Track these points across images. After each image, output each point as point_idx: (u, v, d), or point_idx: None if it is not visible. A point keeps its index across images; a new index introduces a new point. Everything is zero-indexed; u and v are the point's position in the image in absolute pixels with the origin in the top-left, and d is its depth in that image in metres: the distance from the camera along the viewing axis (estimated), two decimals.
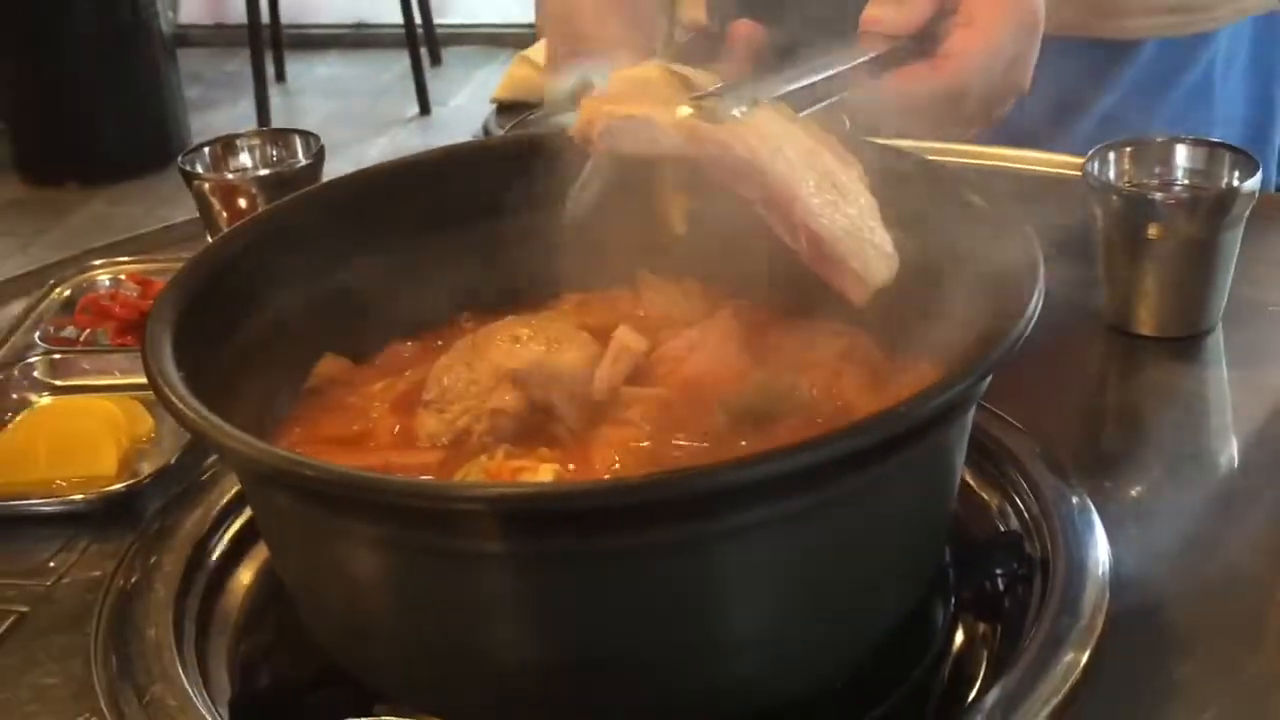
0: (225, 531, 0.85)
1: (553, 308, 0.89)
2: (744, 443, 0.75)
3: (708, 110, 0.75)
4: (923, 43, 0.85)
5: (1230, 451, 0.92)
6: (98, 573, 0.84)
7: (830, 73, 0.82)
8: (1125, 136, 1.02)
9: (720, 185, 0.76)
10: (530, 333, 0.83)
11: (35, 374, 1.03)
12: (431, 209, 0.89)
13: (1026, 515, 0.82)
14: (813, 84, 0.80)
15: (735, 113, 0.75)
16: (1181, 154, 1.01)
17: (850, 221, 0.75)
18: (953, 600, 0.78)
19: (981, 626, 0.78)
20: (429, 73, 4.56)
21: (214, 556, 0.84)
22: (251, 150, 1.17)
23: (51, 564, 0.85)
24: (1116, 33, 1.16)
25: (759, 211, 0.76)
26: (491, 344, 0.82)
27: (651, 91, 0.77)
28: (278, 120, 4.28)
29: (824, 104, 0.81)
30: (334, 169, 1.05)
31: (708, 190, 0.78)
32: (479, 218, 0.90)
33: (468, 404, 0.79)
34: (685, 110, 0.75)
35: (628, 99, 0.77)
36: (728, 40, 0.89)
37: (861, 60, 0.84)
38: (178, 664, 0.75)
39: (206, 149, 1.16)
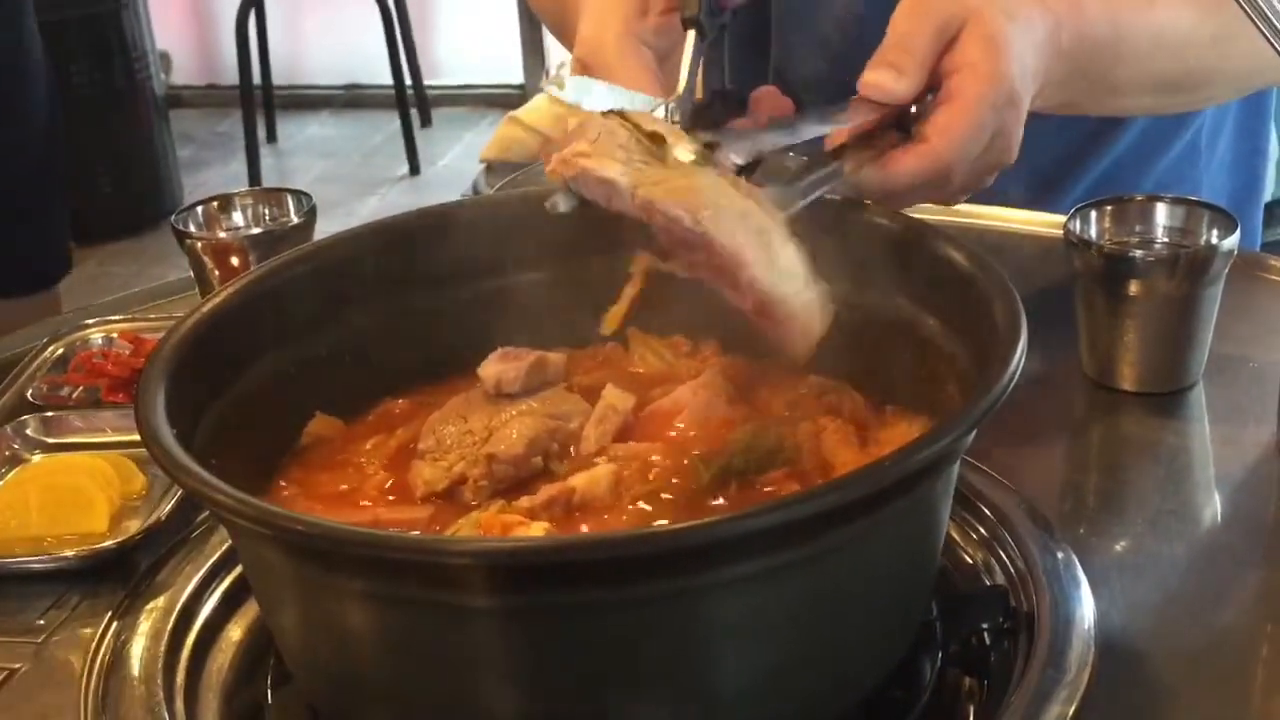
0: (216, 588, 0.86)
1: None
2: (721, 500, 0.76)
3: (707, 158, 0.76)
4: (907, 116, 0.86)
5: (1213, 506, 0.92)
6: (88, 630, 0.84)
7: (816, 134, 0.83)
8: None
9: (679, 265, 0.78)
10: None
11: (28, 431, 1.03)
12: (421, 268, 0.90)
13: (1012, 570, 0.83)
14: (795, 145, 0.82)
15: (686, 157, 0.76)
16: (1161, 212, 1.02)
17: (790, 283, 0.76)
18: (939, 654, 0.78)
19: (968, 680, 0.78)
20: (419, 133, 4.60)
21: (204, 613, 0.84)
22: (244, 209, 1.18)
23: (41, 621, 0.85)
24: (1113, 111, 1.18)
25: (703, 275, 0.78)
26: (484, 400, 0.83)
27: (624, 147, 0.79)
28: (269, 180, 4.30)
29: (813, 197, 0.82)
30: (325, 228, 1.06)
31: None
32: (468, 276, 0.91)
33: (463, 452, 0.80)
34: (688, 155, 0.76)
35: (602, 152, 0.78)
36: (751, 103, 0.90)
37: (846, 126, 0.86)
38: None
39: (199, 208, 1.17)
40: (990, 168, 0.90)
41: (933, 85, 0.87)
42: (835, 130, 0.87)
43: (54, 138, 1.77)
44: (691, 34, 0.89)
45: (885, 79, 0.86)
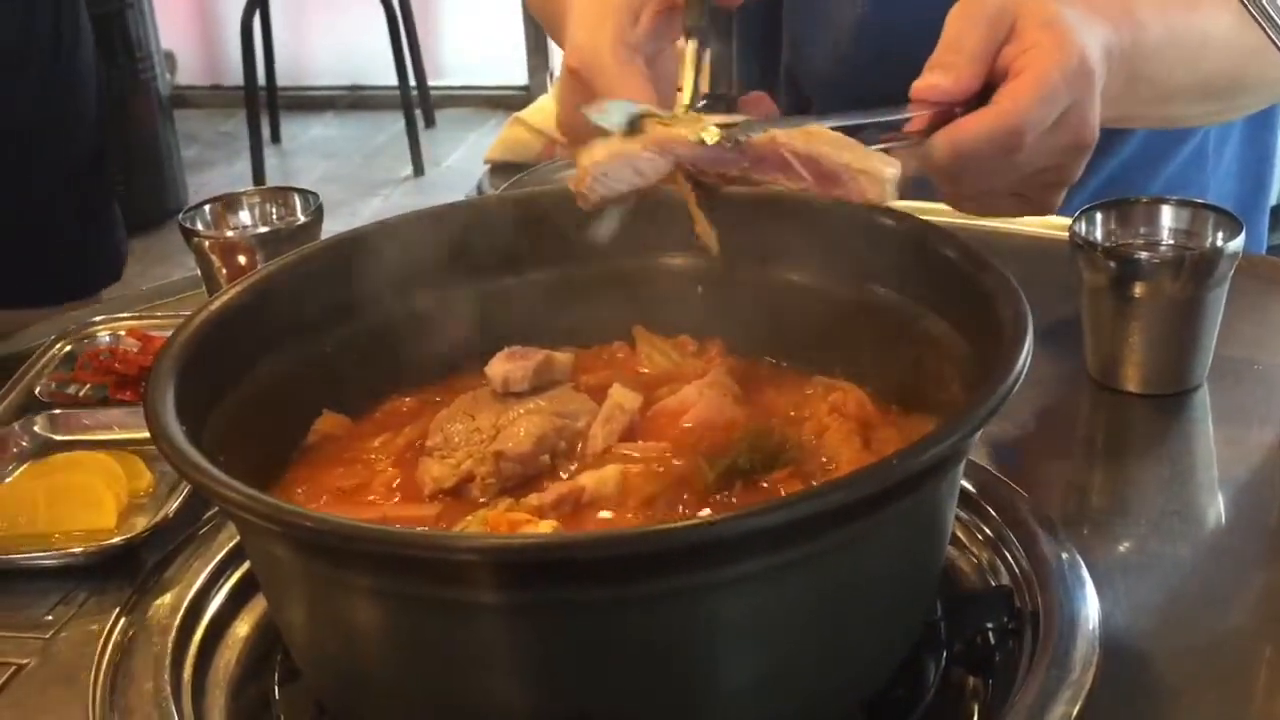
0: (223, 584, 0.86)
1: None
2: (733, 498, 0.77)
3: (731, 133, 0.77)
4: (973, 108, 0.86)
5: (1216, 508, 0.93)
6: (95, 626, 0.84)
7: (862, 120, 0.83)
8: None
9: (715, 177, 0.78)
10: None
11: (36, 429, 1.04)
12: (429, 267, 0.90)
13: (1017, 570, 0.83)
14: (845, 126, 0.81)
15: (754, 135, 0.76)
16: (1166, 215, 1.02)
17: (831, 139, 0.76)
18: (944, 653, 0.79)
19: (972, 680, 0.78)
20: (423, 134, 4.60)
21: (211, 609, 0.84)
22: (251, 208, 1.19)
23: (49, 617, 0.86)
24: (1164, 122, 1.17)
25: (753, 178, 0.78)
26: (491, 399, 0.83)
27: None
28: (273, 180, 4.31)
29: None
30: (328, 229, 1.07)
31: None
32: (475, 275, 0.91)
33: (471, 450, 0.80)
34: (714, 131, 0.76)
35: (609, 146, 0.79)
36: (739, 107, 0.90)
37: (903, 116, 0.85)
38: (175, 717, 0.76)
39: (207, 207, 1.18)
40: (1068, 148, 0.88)
41: (994, 80, 0.86)
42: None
43: (101, 135, 1.78)
44: (693, 43, 0.89)
45: (936, 78, 0.85)
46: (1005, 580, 0.83)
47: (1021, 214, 0.93)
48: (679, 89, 0.90)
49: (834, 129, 0.79)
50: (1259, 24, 0.79)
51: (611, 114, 0.80)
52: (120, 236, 1.78)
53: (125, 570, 0.88)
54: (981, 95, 0.85)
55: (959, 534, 0.86)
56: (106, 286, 1.73)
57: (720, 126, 0.77)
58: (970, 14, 0.87)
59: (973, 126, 0.83)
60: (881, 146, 0.81)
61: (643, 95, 0.87)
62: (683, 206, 0.82)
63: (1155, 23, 0.96)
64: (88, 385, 1.10)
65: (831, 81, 1.25)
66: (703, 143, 0.77)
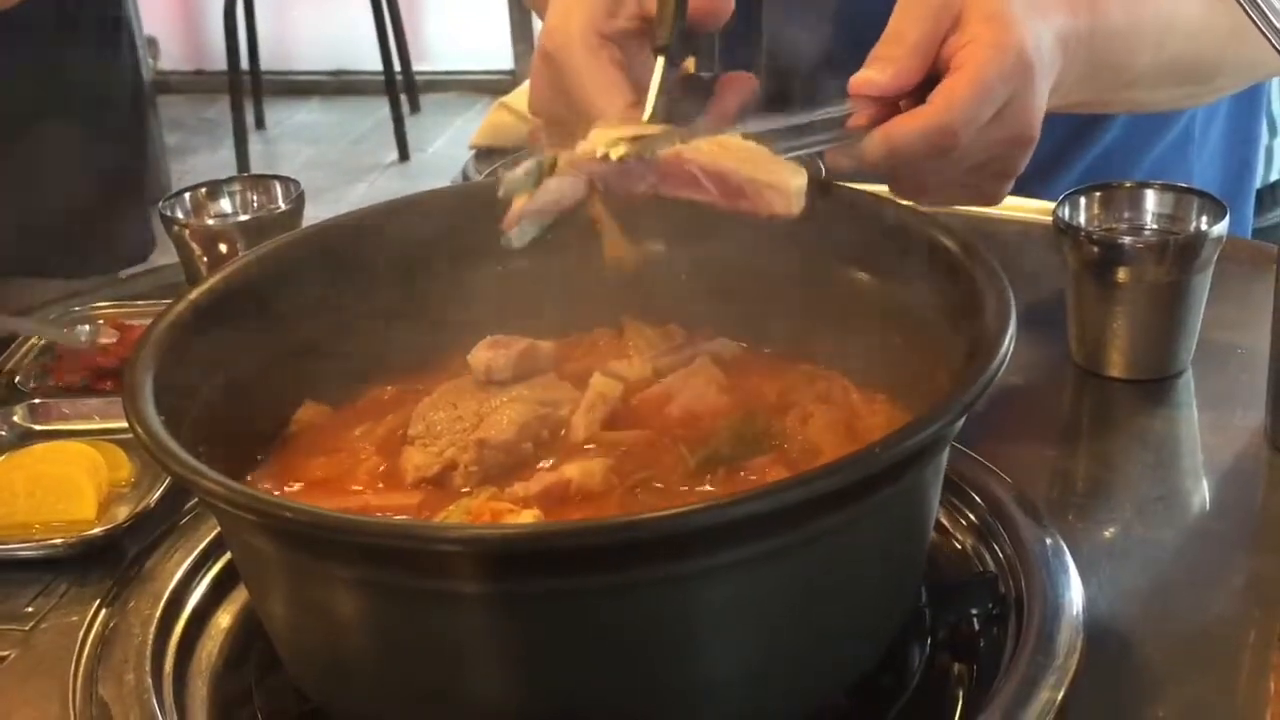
0: (204, 575, 0.85)
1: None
2: (711, 486, 0.77)
3: (636, 148, 0.77)
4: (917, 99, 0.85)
5: (1201, 492, 0.93)
6: (76, 617, 0.83)
7: (806, 119, 0.83)
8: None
9: (629, 195, 0.78)
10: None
11: (14, 419, 1.03)
12: (411, 254, 0.90)
13: (1001, 556, 0.83)
14: (790, 126, 0.81)
15: (661, 150, 0.77)
16: (1150, 199, 1.02)
17: (739, 155, 0.77)
18: (929, 640, 0.79)
19: (957, 666, 0.79)
20: (408, 119, 4.59)
21: (193, 600, 0.84)
22: (232, 196, 1.18)
23: (29, 608, 0.85)
24: (1132, 107, 1.17)
25: (662, 193, 0.78)
26: (474, 387, 0.83)
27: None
28: (257, 166, 4.29)
29: (802, 153, 0.82)
30: (313, 215, 1.06)
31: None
32: (459, 263, 0.91)
33: (454, 438, 0.80)
34: (620, 148, 0.76)
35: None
36: (718, 87, 0.89)
37: (836, 114, 0.85)
38: (156, 708, 0.75)
39: (187, 194, 1.17)
40: (1008, 141, 0.87)
41: (938, 71, 0.86)
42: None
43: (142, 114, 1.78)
44: (660, 61, 0.88)
45: (872, 73, 0.85)
46: (990, 567, 0.83)
47: (969, 204, 0.93)
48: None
49: (778, 129, 0.80)
50: (1255, 23, 0.79)
51: (519, 179, 0.80)
52: (148, 217, 1.78)
53: (106, 561, 0.88)
54: (927, 86, 0.85)
55: (943, 520, 0.86)
56: (134, 266, 1.72)
57: (632, 140, 0.77)
58: (912, 5, 0.86)
59: (906, 126, 0.83)
60: (822, 144, 0.82)
61: (609, 83, 0.86)
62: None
63: (1116, 8, 0.96)
64: (68, 374, 1.09)
65: (811, 71, 1.24)
66: (607, 158, 0.77)
